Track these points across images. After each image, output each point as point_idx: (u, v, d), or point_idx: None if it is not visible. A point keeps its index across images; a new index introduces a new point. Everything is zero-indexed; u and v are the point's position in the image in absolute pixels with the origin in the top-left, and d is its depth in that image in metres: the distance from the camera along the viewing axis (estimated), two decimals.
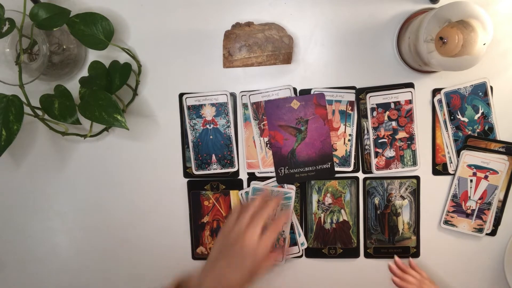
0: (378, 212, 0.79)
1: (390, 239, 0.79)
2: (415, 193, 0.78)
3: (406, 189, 0.78)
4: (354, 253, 0.80)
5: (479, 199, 0.76)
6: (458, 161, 0.76)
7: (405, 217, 0.79)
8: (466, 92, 0.75)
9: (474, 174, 0.76)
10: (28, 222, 0.84)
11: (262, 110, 0.77)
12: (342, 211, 0.79)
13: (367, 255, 0.80)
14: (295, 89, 0.77)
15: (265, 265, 0.58)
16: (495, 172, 0.75)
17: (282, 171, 0.77)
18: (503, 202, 0.77)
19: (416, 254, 0.79)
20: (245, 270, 0.56)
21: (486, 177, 0.76)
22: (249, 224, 0.59)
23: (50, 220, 0.83)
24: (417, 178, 0.78)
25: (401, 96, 0.75)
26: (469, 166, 0.76)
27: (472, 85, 0.75)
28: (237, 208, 0.63)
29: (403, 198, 0.78)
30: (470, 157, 0.75)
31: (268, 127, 0.77)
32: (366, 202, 0.79)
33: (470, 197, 0.77)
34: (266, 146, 0.78)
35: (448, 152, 0.77)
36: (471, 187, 0.76)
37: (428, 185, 0.78)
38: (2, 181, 0.83)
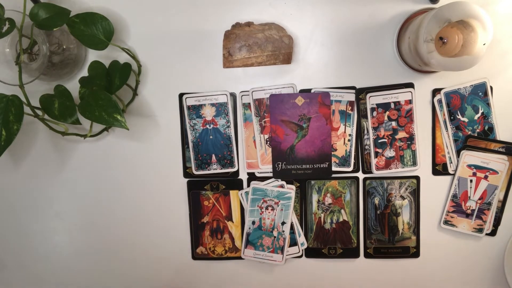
0: (378, 212, 0.79)
1: (390, 239, 0.79)
2: (415, 193, 0.78)
3: (406, 189, 0.78)
4: (354, 253, 0.80)
5: (479, 199, 0.76)
6: (458, 161, 0.76)
7: (405, 217, 0.79)
8: (466, 92, 0.75)
9: (474, 174, 0.76)
10: (28, 222, 0.84)
11: (264, 107, 0.77)
12: (342, 211, 0.79)
13: (367, 255, 0.80)
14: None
15: None
16: (495, 172, 0.75)
17: (280, 166, 0.77)
18: (503, 202, 0.77)
19: (416, 254, 0.79)
20: None
21: (486, 177, 0.76)
22: None
23: (50, 220, 0.83)
24: (417, 178, 0.78)
25: (401, 96, 0.75)
26: (469, 166, 0.76)
27: (472, 85, 0.75)
28: None
29: (403, 198, 0.78)
30: (470, 157, 0.75)
31: (270, 121, 0.77)
32: (366, 202, 0.79)
33: (470, 197, 0.77)
34: (266, 144, 0.78)
35: (448, 152, 0.77)
36: (471, 187, 0.76)
37: (428, 185, 0.78)
38: (2, 181, 0.82)
